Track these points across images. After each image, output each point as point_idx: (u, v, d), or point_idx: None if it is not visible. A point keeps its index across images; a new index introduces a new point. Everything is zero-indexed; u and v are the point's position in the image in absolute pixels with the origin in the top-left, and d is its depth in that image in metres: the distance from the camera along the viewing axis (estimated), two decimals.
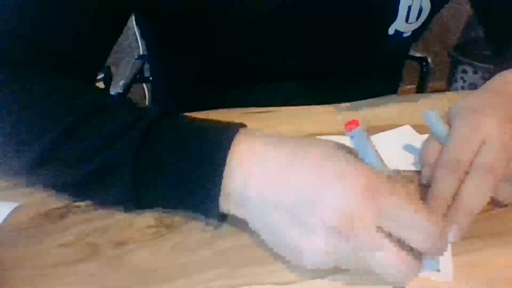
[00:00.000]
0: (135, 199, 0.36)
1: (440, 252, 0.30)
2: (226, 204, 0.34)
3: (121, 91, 1.02)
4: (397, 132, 0.51)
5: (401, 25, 0.56)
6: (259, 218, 0.33)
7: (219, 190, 0.33)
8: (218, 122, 0.36)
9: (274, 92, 0.61)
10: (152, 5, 0.52)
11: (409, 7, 0.54)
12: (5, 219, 0.38)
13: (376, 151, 0.33)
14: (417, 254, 0.30)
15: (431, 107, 0.43)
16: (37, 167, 0.37)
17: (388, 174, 0.32)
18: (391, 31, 0.56)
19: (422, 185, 0.40)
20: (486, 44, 0.64)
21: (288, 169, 0.32)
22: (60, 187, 0.40)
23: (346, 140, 0.34)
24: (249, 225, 0.34)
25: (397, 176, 0.32)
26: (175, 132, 0.36)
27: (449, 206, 0.36)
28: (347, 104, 0.58)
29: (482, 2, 0.62)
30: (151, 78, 0.95)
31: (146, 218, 0.38)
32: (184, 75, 0.66)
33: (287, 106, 0.57)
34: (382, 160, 0.33)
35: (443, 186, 0.37)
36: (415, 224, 0.29)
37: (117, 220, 0.38)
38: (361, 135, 0.32)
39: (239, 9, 0.51)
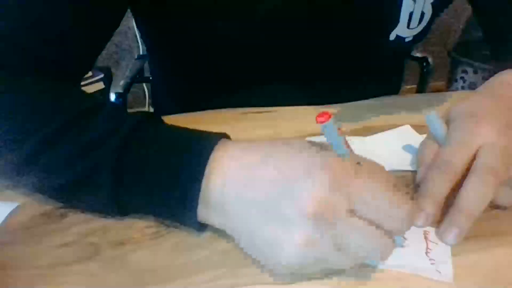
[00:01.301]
0: (116, 207, 0.36)
1: (408, 229, 0.32)
2: (204, 212, 0.34)
3: (121, 91, 1.02)
4: (397, 132, 0.51)
5: (402, 30, 0.55)
6: (236, 221, 0.33)
7: (197, 198, 0.33)
8: (197, 131, 0.36)
9: (274, 93, 0.60)
10: (150, 6, 0.52)
11: (411, 13, 0.53)
12: (5, 219, 0.38)
13: (346, 142, 0.33)
14: (388, 232, 0.31)
15: (431, 107, 0.43)
16: (22, 170, 0.37)
17: (357, 162, 0.32)
18: (392, 36, 0.56)
19: (418, 185, 0.40)
20: (484, 43, 0.64)
21: (261, 168, 0.32)
22: (45, 192, 0.40)
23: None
24: (228, 232, 0.34)
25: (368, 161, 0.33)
26: (155, 141, 0.36)
27: (436, 206, 0.36)
28: (348, 104, 0.58)
29: (480, 1, 0.62)
30: (151, 78, 0.95)
31: (146, 218, 0.38)
32: (183, 76, 0.66)
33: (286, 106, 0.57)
34: (351, 150, 0.34)
35: (430, 186, 0.37)
36: (385, 207, 0.30)
37: (117, 220, 0.38)
38: (331, 128, 0.33)
39: (238, 12, 0.51)
